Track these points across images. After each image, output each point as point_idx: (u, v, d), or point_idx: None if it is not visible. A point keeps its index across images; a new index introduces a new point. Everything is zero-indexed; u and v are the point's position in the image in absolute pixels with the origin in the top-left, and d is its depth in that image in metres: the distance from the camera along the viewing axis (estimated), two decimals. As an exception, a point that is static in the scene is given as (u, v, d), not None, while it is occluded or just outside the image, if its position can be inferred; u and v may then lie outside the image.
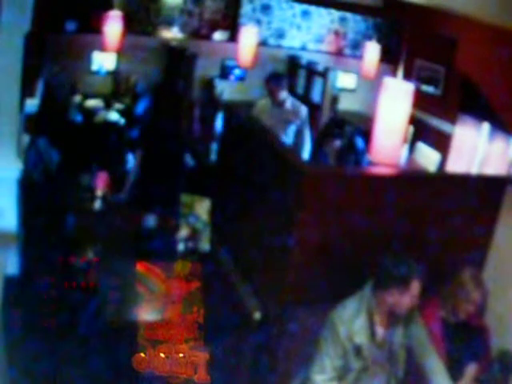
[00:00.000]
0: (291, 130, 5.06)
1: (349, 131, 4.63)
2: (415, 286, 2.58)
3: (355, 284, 2.73)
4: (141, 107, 7.10)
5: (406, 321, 2.72)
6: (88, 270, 3.35)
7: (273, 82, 5.07)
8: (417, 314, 2.76)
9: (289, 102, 5.12)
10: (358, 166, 4.58)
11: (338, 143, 4.57)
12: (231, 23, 7.88)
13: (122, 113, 6.99)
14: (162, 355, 2.72)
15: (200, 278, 2.92)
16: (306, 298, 2.90)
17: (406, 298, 2.59)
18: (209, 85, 7.57)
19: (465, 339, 2.99)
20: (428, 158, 6.72)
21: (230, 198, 3.85)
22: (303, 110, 5.16)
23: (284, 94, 5.07)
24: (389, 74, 6.33)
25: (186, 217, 3.78)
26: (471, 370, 2.98)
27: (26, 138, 4.52)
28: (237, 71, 7.71)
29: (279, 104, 5.05)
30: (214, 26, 7.86)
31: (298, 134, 5.10)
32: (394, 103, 3.07)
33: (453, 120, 6.73)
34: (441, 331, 2.94)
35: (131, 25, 7.12)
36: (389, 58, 7.48)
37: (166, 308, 2.91)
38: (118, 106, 7.14)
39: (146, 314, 2.97)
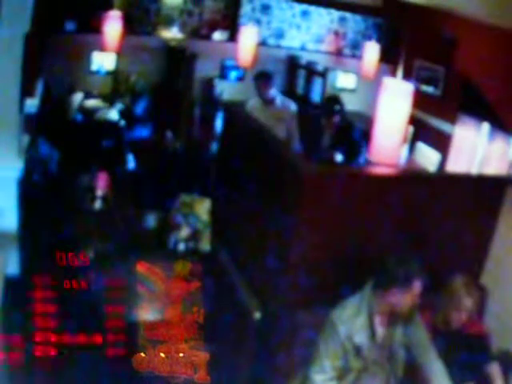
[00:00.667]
0: (282, 127, 5.08)
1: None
2: (417, 286, 2.58)
3: (355, 284, 2.73)
4: (140, 107, 7.10)
5: (406, 321, 2.72)
6: (88, 269, 3.35)
7: (261, 80, 5.09)
8: (417, 314, 2.76)
9: (278, 99, 5.13)
10: (354, 144, 4.80)
11: (337, 118, 4.86)
12: (231, 23, 7.87)
13: (122, 113, 6.99)
14: (162, 355, 2.72)
15: (200, 278, 2.92)
16: (306, 298, 2.90)
17: (407, 298, 2.59)
18: (209, 85, 7.57)
19: (460, 348, 2.93)
20: (428, 158, 6.72)
21: (230, 198, 3.85)
22: (292, 107, 5.19)
23: (273, 92, 5.08)
24: (388, 74, 6.35)
25: (186, 217, 3.78)
26: (496, 370, 2.96)
27: (25, 138, 4.51)
28: (236, 71, 7.71)
29: (269, 102, 5.06)
30: (214, 26, 7.85)
31: (288, 132, 5.14)
32: (394, 103, 3.07)
33: (453, 120, 6.72)
34: (433, 341, 2.90)
35: (131, 25, 7.13)
36: (388, 58, 7.48)
37: (166, 308, 2.91)
38: (118, 106, 7.13)
39: (146, 314, 2.97)
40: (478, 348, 2.99)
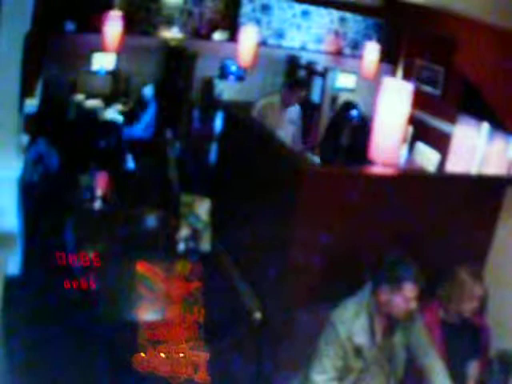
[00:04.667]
0: (292, 128, 5.17)
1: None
2: (408, 288, 2.56)
3: (355, 284, 2.73)
4: (148, 115, 6.93)
5: (407, 321, 2.72)
6: (88, 270, 3.35)
7: (299, 87, 5.23)
8: (417, 314, 2.75)
9: None
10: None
11: (354, 121, 5.02)
12: (231, 23, 7.87)
13: (122, 113, 6.99)
14: (162, 355, 2.72)
15: (200, 278, 2.92)
16: (306, 298, 2.90)
17: (398, 299, 2.58)
18: (208, 85, 7.57)
19: (465, 338, 2.99)
20: (428, 158, 6.71)
21: (230, 198, 3.85)
22: (298, 110, 5.31)
23: None
24: (389, 74, 6.34)
25: (186, 217, 3.78)
26: (474, 369, 2.98)
27: (25, 138, 4.51)
28: (237, 71, 7.70)
29: (287, 106, 5.14)
30: (214, 26, 7.85)
31: (295, 133, 5.23)
32: (394, 103, 3.06)
33: (452, 120, 6.73)
34: (441, 333, 2.93)
35: (131, 25, 7.12)
36: (389, 58, 7.48)
37: (166, 308, 2.91)
38: (118, 106, 7.13)
39: (146, 313, 2.97)
40: (477, 339, 3.02)
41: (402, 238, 2.99)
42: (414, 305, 2.60)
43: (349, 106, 5.18)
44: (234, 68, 7.62)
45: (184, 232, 3.76)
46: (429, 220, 3.09)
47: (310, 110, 6.98)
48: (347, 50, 8.50)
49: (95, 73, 7.31)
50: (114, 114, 6.89)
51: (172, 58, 7.52)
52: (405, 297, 2.57)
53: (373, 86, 5.92)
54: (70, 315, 3.39)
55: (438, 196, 3.10)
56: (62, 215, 4.12)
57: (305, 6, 8.09)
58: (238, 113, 4.42)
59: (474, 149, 6.41)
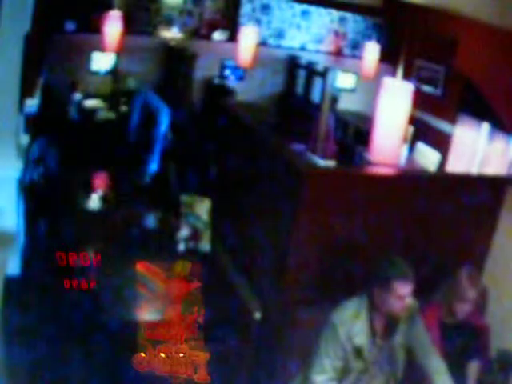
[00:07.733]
0: None
1: None
2: (398, 287, 2.55)
3: (355, 284, 2.74)
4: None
5: (407, 321, 2.72)
6: (88, 269, 3.35)
7: None
8: (418, 315, 2.76)
9: None
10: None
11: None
12: (231, 23, 7.86)
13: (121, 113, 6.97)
14: (162, 355, 2.72)
15: (200, 278, 2.92)
16: (306, 298, 2.90)
17: (392, 298, 2.57)
18: (208, 85, 7.56)
19: (464, 339, 2.99)
20: (428, 158, 6.71)
21: (230, 198, 3.85)
22: None
23: None
24: (389, 74, 6.34)
25: (186, 217, 3.78)
26: (474, 369, 2.98)
27: (25, 138, 4.51)
28: (237, 71, 7.70)
29: None
30: (214, 26, 7.85)
31: None
32: (394, 103, 3.06)
33: (453, 120, 6.73)
34: (441, 334, 2.93)
35: (131, 25, 7.11)
36: (389, 58, 7.48)
37: (165, 308, 2.91)
38: (117, 106, 7.12)
39: (146, 314, 2.97)
40: (476, 340, 3.02)
41: (402, 238, 2.99)
42: (409, 301, 2.61)
43: None
44: (233, 68, 7.62)
45: (184, 232, 3.76)
46: (428, 220, 3.09)
47: (310, 110, 6.97)
48: (347, 50, 8.50)
49: (95, 73, 7.31)
50: (112, 114, 6.86)
51: (172, 58, 7.51)
52: (397, 295, 2.57)
53: (373, 86, 5.92)
54: (69, 315, 3.39)
55: (438, 196, 3.10)
56: (62, 215, 4.12)
57: (305, 6, 8.09)
58: (237, 113, 4.42)
59: (474, 149, 6.42)
